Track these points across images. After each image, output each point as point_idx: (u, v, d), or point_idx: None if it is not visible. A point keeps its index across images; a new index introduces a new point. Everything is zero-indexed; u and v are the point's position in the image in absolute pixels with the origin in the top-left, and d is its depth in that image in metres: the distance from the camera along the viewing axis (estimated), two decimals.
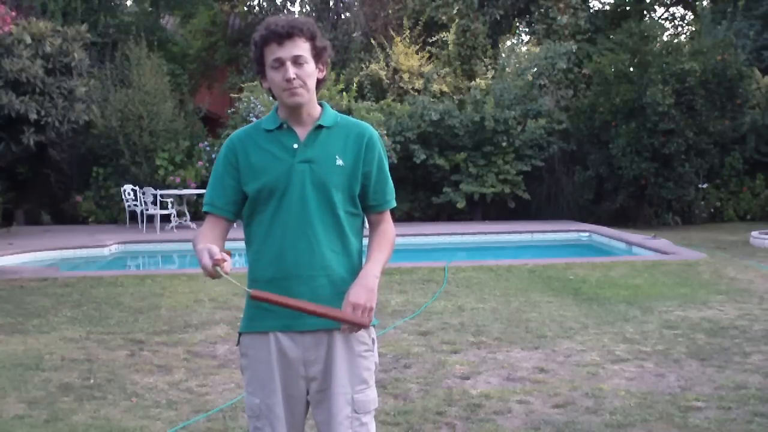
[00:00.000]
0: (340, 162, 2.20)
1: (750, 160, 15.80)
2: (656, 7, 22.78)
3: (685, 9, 23.45)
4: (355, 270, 2.21)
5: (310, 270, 2.17)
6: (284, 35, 2.12)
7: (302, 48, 2.14)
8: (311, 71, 2.17)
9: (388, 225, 2.31)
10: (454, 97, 16.44)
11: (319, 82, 2.22)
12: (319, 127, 2.22)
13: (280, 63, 2.13)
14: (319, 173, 2.18)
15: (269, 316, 2.18)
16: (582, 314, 6.58)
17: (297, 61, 2.13)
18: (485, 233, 13.31)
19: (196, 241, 2.14)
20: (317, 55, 2.19)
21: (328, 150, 2.21)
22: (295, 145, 2.20)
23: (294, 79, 2.12)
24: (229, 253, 2.03)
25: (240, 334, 2.28)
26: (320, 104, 2.26)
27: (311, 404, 2.25)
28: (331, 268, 2.19)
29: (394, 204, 2.34)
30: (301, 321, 2.16)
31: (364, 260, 2.25)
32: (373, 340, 2.28)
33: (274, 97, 2.23)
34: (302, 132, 2.21)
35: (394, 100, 15.96)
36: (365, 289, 2.10)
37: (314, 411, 2.25)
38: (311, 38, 2.16)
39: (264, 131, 2.24)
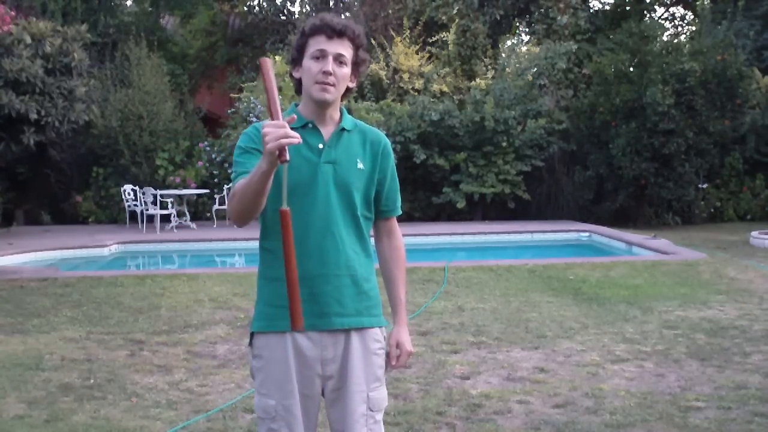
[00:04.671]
0: (360, 165, 2.24)
1: (750, 160, 15.80)
2: (656, 7, 22.76)
3: (685, 9, 23.44)
4: (371, 270, 2.28)
5: (336, 269, 2.18)
6: (336, 31, 2.14)
7: (347, 50, 2.17)
8: (346, 75, 2.19)
9: (398, 233, 2.42)
10: (454, 97, 16.43)
11: (348, 90, 2.24)
12: (342, 129, 2.24)
13: (323, 55, 2.15)
14: (342, 175, 2.20)
15: None
16: (582, 314, 6.58)
17: (339, 59, 2.15)
18: (485, 233, 13.31)
19: (237, 185, 2.02)
20: (356, 63, 2.21)
21: (351, 153, 2.24)
22: (321, 145, 2.21)
23: (331, 74, 2.14)
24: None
25: (252, 334, 2.25)
26: (339, 108, 2.28)
27: (326, 403, 2.26)
28: (354, 268, 2.22)
29: (401, 212, 2.42)
30: (327, 320, 2.18)
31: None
32: (384, 338, 2.32)
33: (298, 91, 2.24)
34: (326, 132, 2.23)
35: (394, 100, 15.95)
36: (408, 336, 2.37)
37: (329, 410, 2.25)
38: (357, 46, 2.19)
39: None
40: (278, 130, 1.81)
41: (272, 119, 1.85)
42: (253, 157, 2.15)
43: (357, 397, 2.20)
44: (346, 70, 2.18)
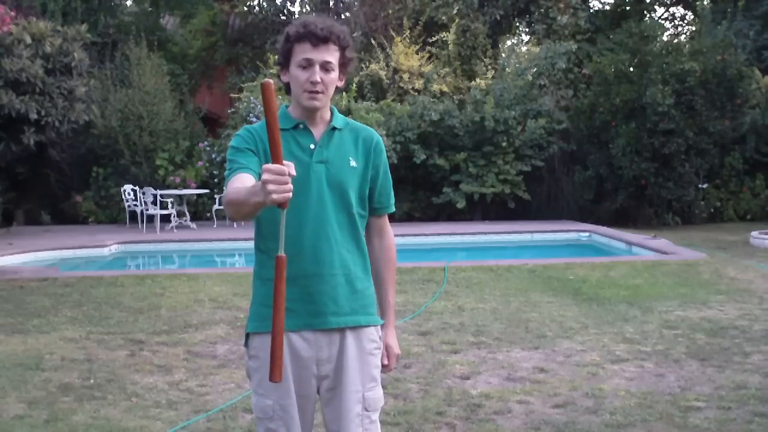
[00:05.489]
0: (353, 163, 2.24)
1: (750, 160, 15.79)
2: (656, 7, 22.77)
3: (685, 9, 23.43)
4: (367, 269, 2.28)
5: (330, 269, 2.18)
6: (321, 39, 2.13)
7: (333, 55, 2.16)
8: (334, 79, 2.19)
9: (390, 233, 2.40)
10: (454, 97, 16.42)
11: (336, 89, 2.24)
12: (333, 128, 2.24)
13: (309, 64, 2.14)
14: (335, 174, 2.21)
15: (289, 315, 2.12)
16: (582, 314, 6.58)
17: (325, 66, 2.15)
18: (485, 233, 13.31)
19: (235, 190, 1.98)
20: (343, 64, 2.21)
21: (342, 151, 2.24)
22: (312, 146, 2.21)
23: (319, 83, 2.14)
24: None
25: (248, 335, 2.26)
26: (329, 107, 2.28)
27: (321, 402, 2.26)
28: (348, 267, 2.22)
29: (394, 209, 2.40)
30: (323, 319, 2.18)
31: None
32: (380, 337, 2.32)
33: (288, 91, 2.23)
34: (316, 133, 2.23)
35: (394, 100, 15.95)
36: (396, 340, 2.41)
37: (324, 409, 2.26)
38: (343, 48, 2.19)
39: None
40: (284, 186, 1.71)
41: (273, 160, 1.73)
42: (245, 155, 2.16)
43: (352, 397, 2.20)
44: (334, 75, 2.18)
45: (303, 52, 2.14)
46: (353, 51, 2.25)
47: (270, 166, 1.72)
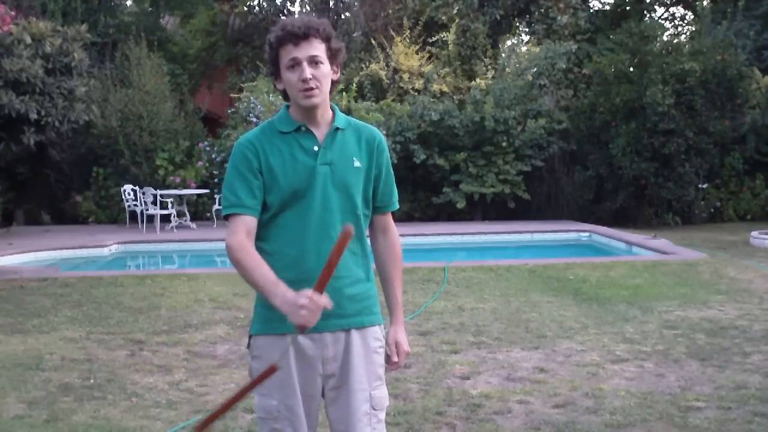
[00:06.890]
0: (357, 164, 2.23)
1: (750, 160, 15.80)
2: (656, 7, 22.77)
3: (685, 9, 23.43)
4: (369, 269, 2.29)
5: (335, 271, 2.16)
6: (300, 36, 2.12)
7: (318, 48, 2.14)
8: (327, 72, 2.17)
9: (394, 230, 2.40)
10: (454, 97, 16.43)
11: (333, 84, 2.23)
12: (336, 129, 2.23)
13: (297, 63, 2.13)
14: (340, 175, 2.19)
15: None
16: (582, 314, 6.58)
17: (313, 60, 2.13)
18: (485, 233, 13.31)
19: (247, 260, 2.08)
20: (332, 56, 2.19)
21: (346, 152, 2.22)
22: (316, 148, 2.19)
23: (310, 79, 2.12)
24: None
25: (251, 336, 2.25)
26: (330, 106, 2.26)
27: (326, 402, 2.25)
28: (352, 270, 2.21)
29: (398, 206, 2.39)
30: (326, 322, 2.15)
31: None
32: (383, 336, 2.32)
33: (286, 98, 2.22)
34: (319, 134, 2.21)
35: (394, 100, 15.95)
36: (405, 336, 2.39)
37: (329, 408, 2.24)
38: (327, 39, 2.17)
39: (279, 133, 2.21)
40: (316, 316, 1.90)
41: (317, 288, 1.90)
42: (246, 183, 2.15)
43: (359, 395, 2.19)
44: (325, 67, 2.16)
45: (288, 53, 2.13)
46: (339, 41, 2.22)
47: (314, 296, 1.86)
